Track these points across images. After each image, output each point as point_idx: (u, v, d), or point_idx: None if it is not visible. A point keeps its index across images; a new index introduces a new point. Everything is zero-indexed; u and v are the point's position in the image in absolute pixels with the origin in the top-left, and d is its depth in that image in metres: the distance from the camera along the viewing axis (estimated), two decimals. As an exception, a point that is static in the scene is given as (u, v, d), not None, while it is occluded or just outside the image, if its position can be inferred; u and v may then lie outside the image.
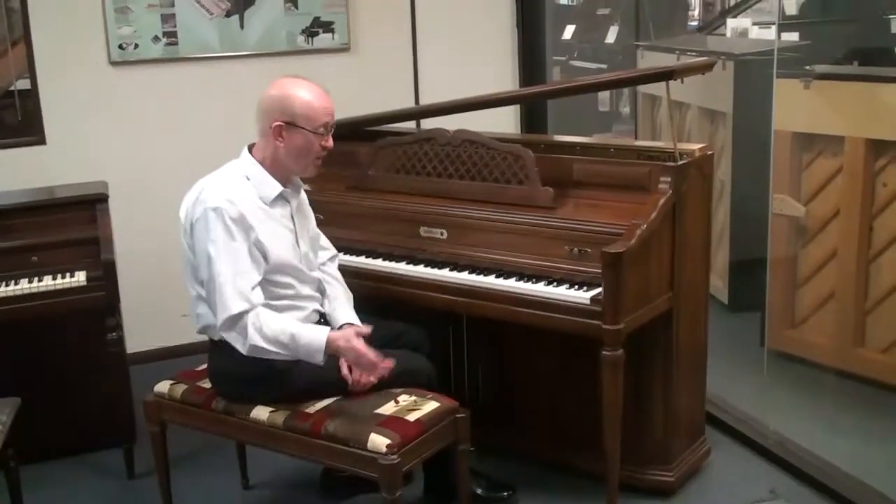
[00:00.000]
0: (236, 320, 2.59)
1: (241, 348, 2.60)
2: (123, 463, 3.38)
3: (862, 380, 3.77)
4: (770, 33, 5.17)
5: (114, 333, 3.28)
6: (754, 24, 5.41)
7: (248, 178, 2.71)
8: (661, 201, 2.82)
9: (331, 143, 2.73)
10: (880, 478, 3.07)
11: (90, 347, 3.41)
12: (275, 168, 2.73)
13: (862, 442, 3.42)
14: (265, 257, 2.66)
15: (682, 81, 2.95)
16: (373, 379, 2.67)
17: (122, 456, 3.38)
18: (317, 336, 2.60)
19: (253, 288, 2.62)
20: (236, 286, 2.59)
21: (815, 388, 3.90)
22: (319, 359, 2.60)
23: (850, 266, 3.81)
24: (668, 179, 2.85)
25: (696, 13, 9.49)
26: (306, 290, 2.81)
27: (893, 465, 3.25)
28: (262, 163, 2.72)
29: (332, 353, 2.61)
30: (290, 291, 2.74)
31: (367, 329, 2.66)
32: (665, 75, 2.93)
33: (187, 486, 3.20)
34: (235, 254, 2.60)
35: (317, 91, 2.71)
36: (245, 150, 2.77)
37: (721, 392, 3.64)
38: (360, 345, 2.58)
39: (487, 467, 3.15)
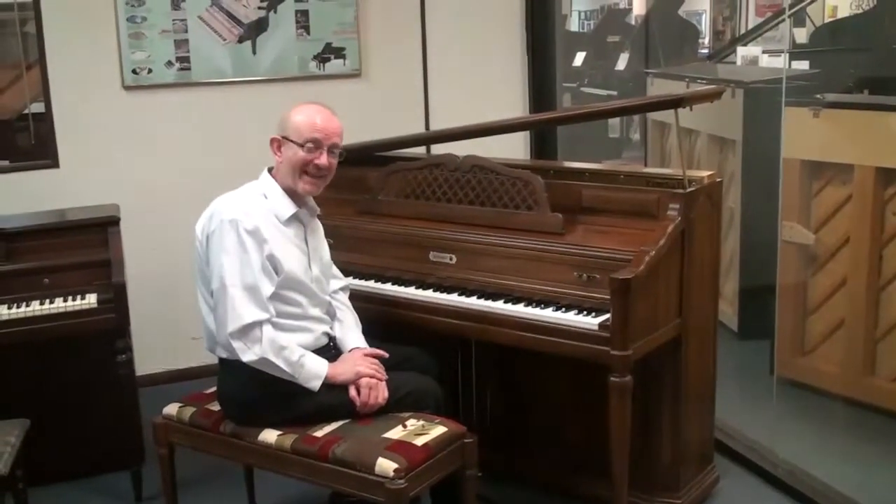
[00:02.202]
0: (248, 330, 2.61)
1: (247, 357, 2.61)
2: (131, 485, 3.38)
3: (872, 408, 3.75)
4: (779, 61, 5.20)
5: (123, 355, 3.29)
6: (764, 52, 5.44)
7: (266, 197, 2.75)
8: (670, 228, 2.82)
9: (323, 161, 2.74)
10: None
11: (100, 369, 3.42)
12: (285, 187, 2.77)
13: (872, 471, 3.40)
14: (277, 271, 2.68)
15: (692, 109, 2.96)
16: (381, 401, 2.68)
17: (131, 478, 3.38)
18: (320, 365, 2.68)
19: (266, 300, 2.64)
20: (250, 296, 2.62)
21: (824, 417, 3.88)
22: (316, 385, 2.66)
23: (859, 294, 3.80)
24: (677, 206, 2.86)
25: (706, 41, 9.54)
26: (316, 311, 2.82)
27: (904, 494, 3.24)
28: (278, 183, 2.77)
29: (331, 383, 2.68)
30: (299, 310, 2.75)
31: (374, 351, 2.75)
32: (674, 103, 2.95)
33: (195, 510, 3.20)
34: (249, 265, 2.63)
35: (317, 110, 2.77)
36: (265, 171, 2.83)
37: (730, 419, 3.63)
38: (361, 368, 2.69)
39: (495, 493, 3.14)
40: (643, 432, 2.99)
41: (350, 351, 2.82)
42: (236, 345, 2.62)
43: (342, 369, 2.71)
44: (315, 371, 2.66)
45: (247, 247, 2.63)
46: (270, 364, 2.61)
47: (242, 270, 2.63)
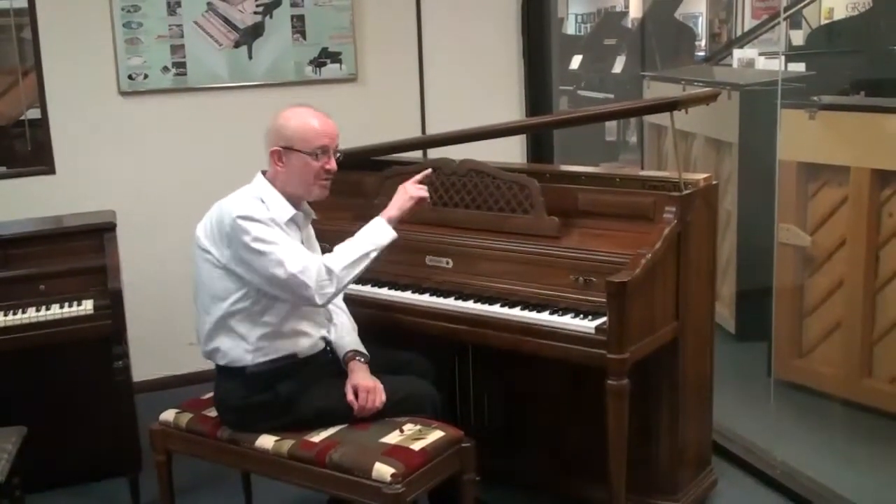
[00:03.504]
0: (306, 272, 2.60)
1: (327, 292, 2.65)
2: (129, 492, 3.38)
3: (869, 410, 3.76)
4: (777, 64, 5.21)
5: (120, 362, 3.29)
6: (761, 54, 5.45)
7: (263, 201, 2.73)
8: (666, 231, 2.83)
9: (333, 165, 2.75)
10: (888, 509, 3.06)
11: (96, 376, 3.42)
12: (284, 192, 2.76)
13: (870, 472, 3.40)
14: None
15: (687, 112, 2.96)
16: (378, 404, 2.68)
17: (128, 485, 3.37)
18: (380, 229, 2.76)
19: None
20: (292, 254, 2.61)
21: (822, 418, 3.88)
22: (391, 235, 2.76)
23: (856, 296, 3.81)
24: (673, 209, 2.86)
25: (703, 44, 9.55)
26: (313, 316, 2.81)
27: (901, 496, 3.24)
28: (273, 186, 2.75)
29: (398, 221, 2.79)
30: (297, 315, 2.75)
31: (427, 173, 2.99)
32: (669, 106, 2.95)
33: (192, 515, 3.20)
34: (279, 236, 2.63)
35: (313, 115, 2.75)
36: (259, 174, 2.80)
37: (728, 421, 3.63)
38: (408, 192, 2.85)
39: (493, 496, 3.13)
40: (641, 435, 2.99)
41: (345, 359, 2.81)
42: (321, 294, 2.64)
43: (395, 205, 2.81)
44: (380, 237, 2.74)
45: (272, 227, 2.63)
46: (347, 280, 2.70)
47: (277, 239, 2.61)
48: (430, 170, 3.02)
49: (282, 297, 2.67)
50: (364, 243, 2.72)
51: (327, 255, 2.72)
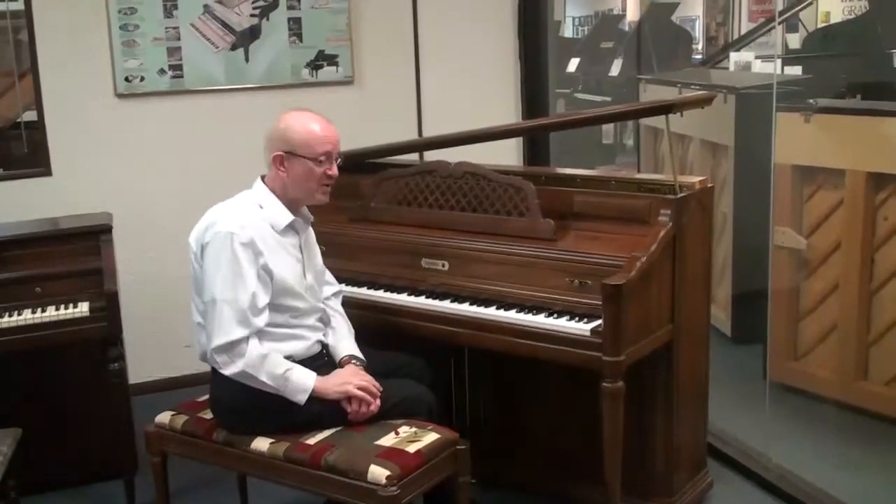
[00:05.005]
0: (234, 345, 2.61)
1: (229, 370, 2.62)
2: (124, 494, 3.37)
3: (865, 412, 3.76)
4: (773, 67, 5.21)
5: (116, 364, 3.28)
6: (757, 57, 5.45)
7: (261, 207, 2.74)
8: (662, 234, 2.83)
9: (335, 171, 2.76)
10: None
11: (92, 378, 3.41)
12: (284, 197, 2.76)
13: (865, 475, 3.40)
14: (272, 281, 2.68)
15: (682, 115, 2.97)
16: (373, 409, 2.68)
17: (123, 487, 3.37)
18: (306, 379, 2.66)
19: (259, 313, 2.64)
20: (240, 311, 2.61)
21: (817, 421, 3.88)
22: (302, 399, 2.65)
23: (852, 299, 3.81)
24: (668, 212, 2.87)
25: (699, 47, 9.55)
26: (310, 320, 2.82)
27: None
28: (273, 192, 2.76)
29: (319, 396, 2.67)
30: (293, 320, 2.76)
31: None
32: (664, 109, 2.96)
33: (188, 518, 3.20)
34: (243, 278, 2.62)
35: (317, 120, 2.75)
36: (258, 179, 2.81)
37: (723, 424, 3.63)
38: (350, 387, 2.66)
39: (488, 499, 3.14)
40: (636, 438, 2.99)
41: (341, 363, 2.82)
42: (220, 359, 2.63)
43: (332, 383, 2.69)
44: (301, 385, 2.65)
45: (241, 261, 2.62)
46: (252, 378, 2.62)
47: (235, 287, 2.62)
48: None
49: (203, 323, 2.69)
50: (287, 380, 2.63)
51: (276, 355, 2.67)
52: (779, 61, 4.81)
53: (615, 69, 8.35)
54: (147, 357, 4.18)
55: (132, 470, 3.38)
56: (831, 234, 3.91)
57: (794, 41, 6.02)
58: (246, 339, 2.61)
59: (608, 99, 8.13)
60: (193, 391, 3.12)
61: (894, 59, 4.61)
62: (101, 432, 3.46)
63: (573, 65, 9.03)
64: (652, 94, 5.65)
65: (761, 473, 3.39)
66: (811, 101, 4.03)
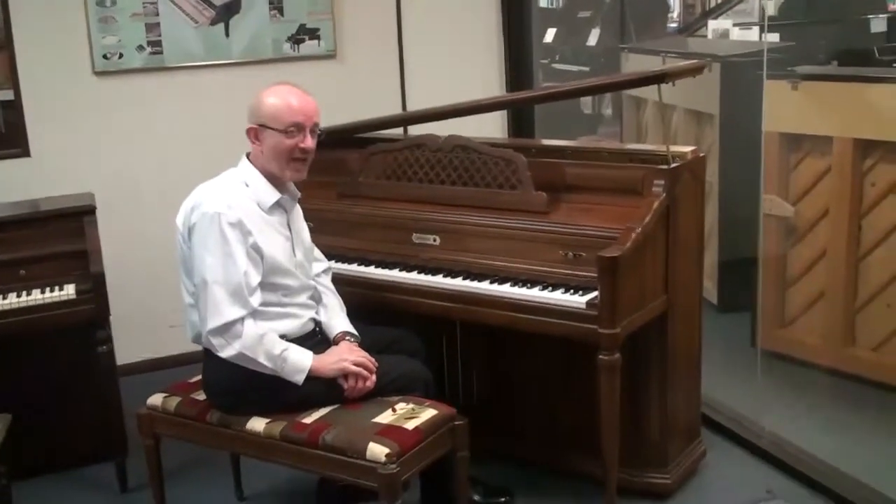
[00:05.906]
0: (229, 327, 2.58)
1: (226, 353, 2.59)
2: (116, 477, 3.35)
3: (853, 378, 3.79)
4: (750, 34, 5.20)
5: (104, 346, 3.25)
6: (735, 25, 5.44)
7: (247, 185, 2.71)
8: (655, 204, 2.82)
9: (308, 143, 2.71)
10: (874, 475, 3.09)
11: (80, 361, 3.37)
12: (265, 172, 2.73)
13: (855, 439, 3.44)
14: (262, 259, 2.65)
15: (674, 84, 2.95)
16: (369, 385, 2.67)
17: (115, 470, 3.34)
18: (304, 358, 2.64)
19: (252, 292, 2.61)
20: (231, 293, 2.58)
21: (807, 387, 3.91)
22: (300, 379, 2.62)
23: (839, 265, 3.83)
24: (662, 182, 2.85)
25: (675, 15, 9.52)
26: (302, 298, 2.79)
27: (887, 461, 3.27)
28: (258, 169, 2.73)
29: (316, 376, 2.64)
30: (285, 299, 2.73)
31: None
32: (657, 78, 2.94)
33: (181, 499, 3.16)
34: (233, 261, 2.59)
35: (290, 92, 2.71)
36: (244, 157, 2.77)
37: (714, 393, 3.65)
38: (347, 364, 2.65)
39: (484, 473, 3.13)
40: (631, 409, 3.00)
41: (335, 340, 2.79)
42: (216, 341, 2.60)
43: (328, 361, 2.67)
44: (299, 364, 2.63)
45: (230, 241, 2.59)
46: (250, 359, 2.59)
47: (225, 267, 2.58)
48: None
49: (196, 306, 2.66)
50: (284, 360, 2.61)
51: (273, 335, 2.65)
52: (761, 28, 4.80)
53: (593, 39, 8.32)
54: (135, 338, 4.12)
55: (123, 452, 3.35)
56: (819, 202, 3.91)
57: (770, 8, 6.01)
58: (241, 319, 2.58)
59: (586, 69, 8.09)
60: (181, 371, 3.10)
61: (871, 24, 4.61)
62: (90, 415, 3.42)
63: (550, 35, 8.98)
64: (634, 63, 5.63)
65: (754, 441, 3.41)
66: (791, 68, 4.02)
